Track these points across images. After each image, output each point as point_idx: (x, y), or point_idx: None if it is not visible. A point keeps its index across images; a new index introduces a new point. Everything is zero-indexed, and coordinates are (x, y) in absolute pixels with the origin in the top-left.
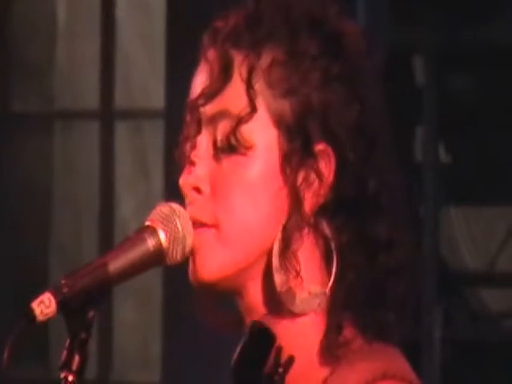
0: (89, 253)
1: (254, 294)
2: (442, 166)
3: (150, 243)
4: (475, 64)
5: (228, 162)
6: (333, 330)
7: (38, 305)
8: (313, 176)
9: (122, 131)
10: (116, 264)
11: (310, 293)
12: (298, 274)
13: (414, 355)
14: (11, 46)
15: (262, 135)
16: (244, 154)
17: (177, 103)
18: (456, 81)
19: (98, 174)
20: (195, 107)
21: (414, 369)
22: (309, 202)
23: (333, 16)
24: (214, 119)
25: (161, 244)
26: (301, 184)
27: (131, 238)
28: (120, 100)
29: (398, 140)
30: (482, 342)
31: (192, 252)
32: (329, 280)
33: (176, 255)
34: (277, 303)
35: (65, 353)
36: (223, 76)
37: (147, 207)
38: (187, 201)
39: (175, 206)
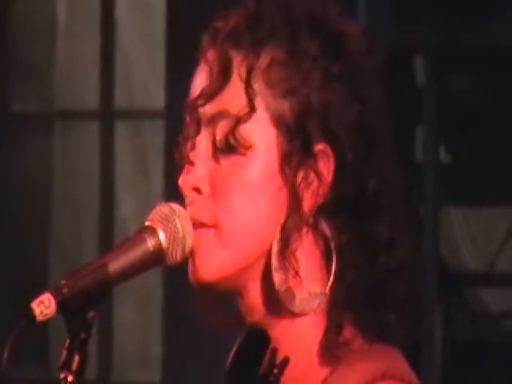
0: (89, 253)
1: (254, 294)
2: (442, 166)
3: (150, 243)
4: (475, 64)
5: (227, 162)
6: (333, 330)
7: (38, 305)
8: (312, 176)
9: (122, 131)
10: (116, 264)
11: (309, 293)
12: (296, 273)
13: (414, 355)
14: (11, 46)
15: (262, 135)
16: (243, 154)
17: (177, 103)
18: (456, 81)
19: (98, 174)
20: (194, 107)
21: (414, 369)
22: (308, 202)
23: (333, 16)
24: (213, 119)
25: (161, 244)
26: (300, 184)
27: (131, 239)
28: (120, 100)
29: (398, 140)
30: (482, 342)
31: (192, 252)
32: (329, 280)
33: (176, 255)
34: (277, 303)
35: (65, 353)
36: (222, 76)
37: (147, 207)
38: (187, 201)
39: (175, 206)
